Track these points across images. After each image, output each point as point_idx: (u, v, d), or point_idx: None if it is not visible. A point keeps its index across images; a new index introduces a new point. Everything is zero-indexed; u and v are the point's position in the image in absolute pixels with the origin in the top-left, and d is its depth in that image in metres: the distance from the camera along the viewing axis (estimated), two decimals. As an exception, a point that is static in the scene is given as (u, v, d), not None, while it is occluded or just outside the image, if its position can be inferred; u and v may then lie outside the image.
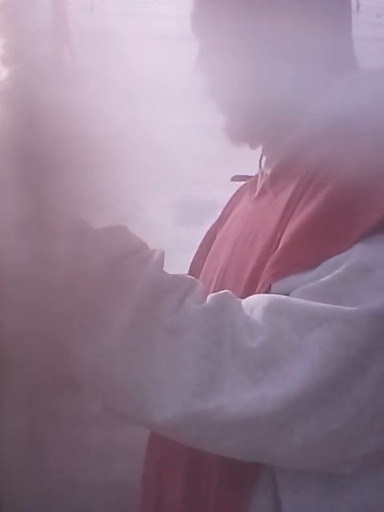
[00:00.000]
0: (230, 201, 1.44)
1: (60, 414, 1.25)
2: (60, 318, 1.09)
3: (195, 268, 1.42)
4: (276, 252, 1.11)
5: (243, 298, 1.12)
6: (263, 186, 1.24)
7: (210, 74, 1.22)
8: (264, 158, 1.27)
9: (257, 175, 1.31)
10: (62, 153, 1.18)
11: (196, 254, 1.47)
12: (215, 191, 1.32)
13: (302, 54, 1.16)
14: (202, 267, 1.39)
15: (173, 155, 1.35)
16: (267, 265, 1.11)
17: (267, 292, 1.10)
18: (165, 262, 1.14)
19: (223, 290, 1.17)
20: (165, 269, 1.14)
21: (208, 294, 1.14)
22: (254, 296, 1.10)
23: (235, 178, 1.43)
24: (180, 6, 1.31)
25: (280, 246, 1.11)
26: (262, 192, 1.24)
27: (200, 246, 1.47)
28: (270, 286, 1.09)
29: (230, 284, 1.21)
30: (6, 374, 1.17)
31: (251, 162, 1.35)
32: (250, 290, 1.15)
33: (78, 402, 1.24)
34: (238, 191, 1.43)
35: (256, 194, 1.26)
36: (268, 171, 1.23)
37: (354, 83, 1.19)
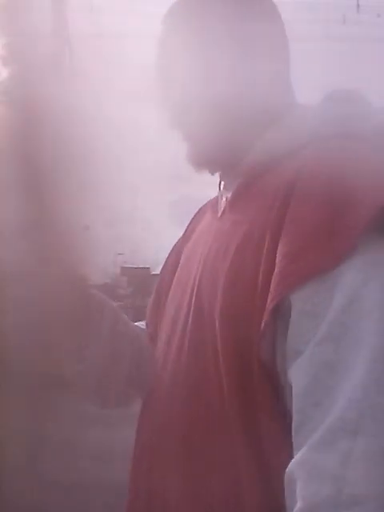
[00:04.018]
0: (192, 220, 1.55)
1: (60, 414, 1.25)
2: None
3: (163, 282, 1.51)
4: (280, 267, 1.16)
5: (221, 305, 1.21)
6: (224, 208, 1.35)
7: (173, 110, 1.34)
8: (222, 183, 1.39)
9: (217, 197, 1.43)
10: (61, 152, 1.18)
11: (163, 269, 1.56)
12: (213, 191, 1.32)
13: (254, 85, 1.28)
14: (170, 281, 1.47)
15: (171, 155, 1.35)
16: (277, 278, 1.15)
17: (278, 303, 1.15)
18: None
19: (199, 302, 1.28)
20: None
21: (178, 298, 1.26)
22: None
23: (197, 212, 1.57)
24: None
25: (282, 262, 1.16)
26: (224, 213, 1.35)
27: (166, 262, 1.55)
28: (280, 298, 1.15)
29: (205, 295, 1.28)
30: (6, 374, 1.17)
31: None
32: (225, 298, 1.22)
33: (78, 402, 1.25)
34: (198, 211, 1.55)
35: (219, 213, 1.37)
36: (228, 194, 1.35)
37: (298, 116, 1.31)
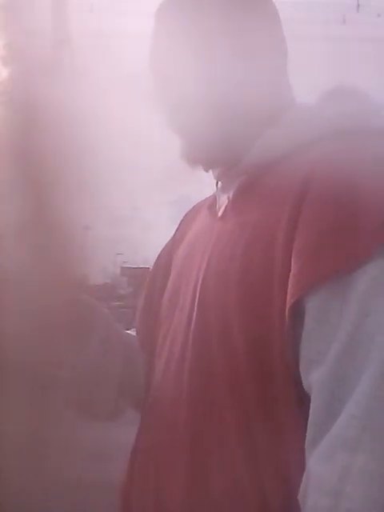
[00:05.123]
0: (181, 224, 1.51)
1: (60, 414, 1.25)
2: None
3: (155, 288, 1.46)
4: (296, 268, 1.13)
5: (235, 307, 1.17)
6: (226, 208, 1.31)
7: (168, 105, 1.30)
8: (219, 183, 1.35)
9: (213, 197, 1.38)
10: (61, 152, 1.18)
11: (152, 275, 1.51)
12: (210, 191, 1.31)
13: (251, 83, 1.25)
14: (163, 287, 1.42)
15: (171, 155, 1.35)
16: (293, 278, 1.13)
17: (296, 304, 1.12)
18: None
19: (203, 305, 1.23)
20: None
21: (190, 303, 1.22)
22: None
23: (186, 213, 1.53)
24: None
25: (298, 262, 1.13)
26: (226, 213, 1.30)
27: (156, 267, 1.50)
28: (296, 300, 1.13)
29: (211, 298, 1.24)
30: (6, 374, 1.17)
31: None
32: (239, 300, 1.18)
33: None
34: (187, 215, 1.51)
35: (219, 214, 1.32)
36: (227, 194, 1.31)
37: (298, 114, 1.28)
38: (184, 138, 1.30)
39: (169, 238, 1.50)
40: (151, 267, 1.55)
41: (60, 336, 1.25)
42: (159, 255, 1.52)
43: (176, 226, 1.51)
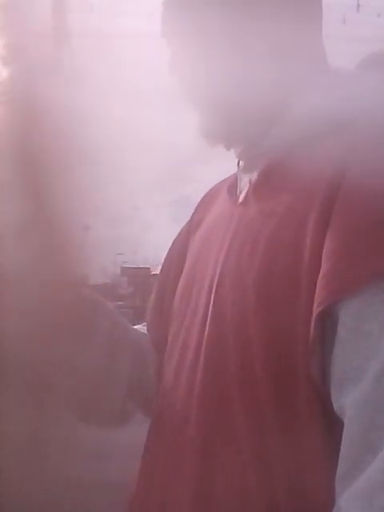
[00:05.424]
0: (199, 206, 1.35)
1: (60, 414, 1.25)
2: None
3: (168, 280, 1.31)
4: (327, 270, 0.98)
5: (254, 311, 1.04)
6: (248, 193, 1.15)
7: (183, 72, 1.16)
8: (241, 163, 1.19)
9: (233, 179, 1.23)
10: (61, 152, 1.18)
11: (165, 265, 1.35)
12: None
13: (279, 51, 1.10)
14: (176, 279, 1.28)
15: (170, 155, 1.34)
16: (324, 280, 0.97)
17: (325, 311, 0.98)
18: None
19: (219, 303, 1.10)
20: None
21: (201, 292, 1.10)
22: None
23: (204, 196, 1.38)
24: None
25: (330, 262, 0.98)
26: (248, 198, 1.15)
27: (169, 257, 1.35)
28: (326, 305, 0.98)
29: (227, 297, 1.10)
30: (6, 374, 1.17)
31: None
32: (259, 303, 1.05)
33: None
34: (206, 196, 1.34)
35: (240, 199, 1.17)
36: (249, 176, 1.16)
37: (337, 82, 1.12)
38: (202, 112, 1.15)
39: (169, 238, 1.46)
40: (166, 255, 1.37)
41: (60, 336, 1.19)
42: (173, 242, 1.36)
43: (176, 226, 1.46)
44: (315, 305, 0.97)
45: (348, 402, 0.96)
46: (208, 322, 1.13)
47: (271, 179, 1.11)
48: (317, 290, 0.97)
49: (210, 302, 1.13)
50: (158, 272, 1.41)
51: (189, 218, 1.36)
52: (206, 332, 1.12)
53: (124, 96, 1.33)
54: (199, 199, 1.37)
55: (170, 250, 1.36)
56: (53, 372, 1.19)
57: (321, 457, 1.01)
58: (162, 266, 1.37)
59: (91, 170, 1.21)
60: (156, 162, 1.37)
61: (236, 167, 1.22)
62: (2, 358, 1.16)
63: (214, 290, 1.13)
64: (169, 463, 1.17)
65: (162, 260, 1.40)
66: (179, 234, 1.35)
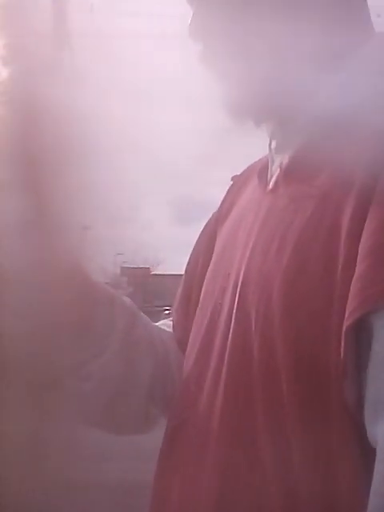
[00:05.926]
0: (230, 191, 1.22)
1: (60, 414, 1.25)
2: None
3: (195, 273, 1.21)
4: (363, 273, 0.84)
5: (280, 317, 0.91)
6: (278, 178, 1.04)
7: (208, 40, 1.04)
8: (273, 143, 1.06)
9: (265, 161, 1.10)
10: (61, 152, 1.18)
11: (193, 256, 1.25)
12: (211, 190, 1.29)
13: (318, 17, 0.98)
14: (203, 271, 1.17)
15: (169, 155, 1.35)
16: (356, 287, 0.84)
17: (358, 322, 0.84)
18: (163, 265, 1.10)
19: (244, 304, 0.99)
20: (162, 269, 1.08)
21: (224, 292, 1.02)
22: None
23: (234, 179, 1.28)
24: (180, 5, 1.31)
25: (365, 262, 0.85)
26: (278, 185, 1.03)
27: (197, 247, 1.25)
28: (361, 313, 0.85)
29: (253, 297, 0.99)
30: (6, 374, 1.17)
31: (249, 161, 1.33)
32: (286, 308, 0.92)
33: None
34: (238, 179, 1.21)
35: (270, 186, 1.05)
36: (281, 159, 1.04)
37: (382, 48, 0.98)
38: (226, 82, 1.02)
39: (169, 238, 1.44)
40: (192, 249, 1.26)
41: (68, 339, 1.12)
42: (200, 234, 1.24)
43: (176, 226, 1.45)
44: (346, 315, 0.84)
45: (381, 431, 0.83)
46: (231, 331, 1.03)
47: (304, 163, 0.98)
48: (349, 297, 0.84)
49: (233, 306, 1.03)
50: (158, 272, 1.39)
51: (216, 211, 1.24)
52: (229, 341, 1.02)
53: (124, 96, 1.33)
54: (199, 199, 1.36)
55: (196, 243, 1.25)
56: (60, 375, 1.14)
57: (350, 480, 0.89)
58: (189, 261, 1.26)
59: (91, 170, 1.21)
60: (156, 162, 1.37)
61: (247, 163, 1.14)
62: (1, 358, 1.16)
63: (238, 289, 1.02)
64: (189, 468, 1.08)
65: (162, 260, 1.39)
66: (206, 224, 1.24)
